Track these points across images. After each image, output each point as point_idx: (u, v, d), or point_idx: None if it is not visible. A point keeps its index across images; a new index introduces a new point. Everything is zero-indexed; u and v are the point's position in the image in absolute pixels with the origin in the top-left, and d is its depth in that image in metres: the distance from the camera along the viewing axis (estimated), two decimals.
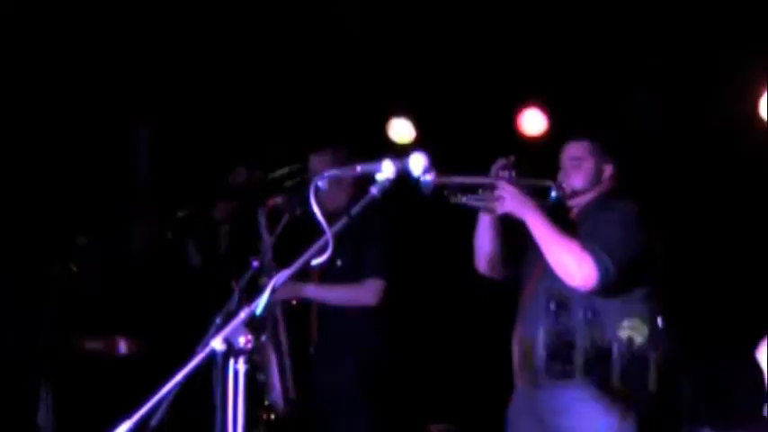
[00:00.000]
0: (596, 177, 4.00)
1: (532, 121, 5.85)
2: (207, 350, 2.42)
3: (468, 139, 5.58)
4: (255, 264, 3.97)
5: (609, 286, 3.74)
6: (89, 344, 5.19)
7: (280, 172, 4.82)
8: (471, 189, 3.89)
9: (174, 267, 5.20)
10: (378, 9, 5.48)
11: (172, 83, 5.82)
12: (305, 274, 4.62)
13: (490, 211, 3.93)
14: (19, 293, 5.12)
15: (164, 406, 2.57)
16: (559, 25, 5.39)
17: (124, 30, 5.41)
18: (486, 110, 5.81)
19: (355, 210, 2.71)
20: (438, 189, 3.53)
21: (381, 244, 4.59)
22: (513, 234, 4.06)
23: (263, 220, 4.58)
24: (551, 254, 3.81)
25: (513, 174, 3.87)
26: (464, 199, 3.88)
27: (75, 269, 4.99)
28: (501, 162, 3.90)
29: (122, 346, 5.30)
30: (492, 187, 3.85)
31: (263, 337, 4.43)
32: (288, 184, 4.72)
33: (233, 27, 5.52)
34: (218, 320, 3.32)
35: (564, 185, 3.96)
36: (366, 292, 4.60)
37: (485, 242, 4.09)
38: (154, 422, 2.64)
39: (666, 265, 3.92)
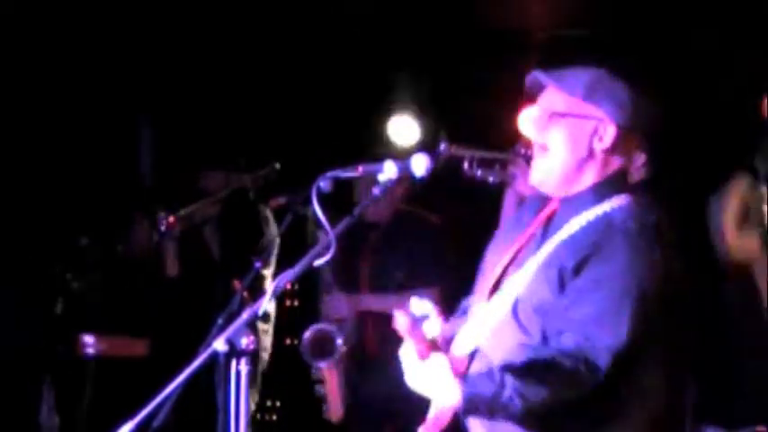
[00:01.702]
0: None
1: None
2: (209, 351, 2.42)
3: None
4: (258, 264, 3.97)
5: None
6: (93, 345, 5.18)
7: (260, 172, 4.84)
8: (488, 164, 3.85)
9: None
10: (378, 10, 5.48)
11: (174, 83, 5.82)
12: (355, 287, 4.65)
13: (502, 183, 3.90)
14: (21, 294, 5.12)
15: (166, 407, 2.56)
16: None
17: (126, 30, 5.41)
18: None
19: (357, 210, 2.72)
20: (453, 162, 3.48)
21: (431, 253, 4.61)
22: None
23: (269, 220, 4.59)
24: None
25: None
26: (479, 172, 3.84)
27: (76, 269, 4.98)
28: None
29: (132, 347, 5.31)
30: (506, 163, 3.82)
31: (339, 353, 4.43)
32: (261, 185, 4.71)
33: (234, 27, 5.52)
34: (220, 321, 3.31)
35: None
36: None
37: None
38: (156, 423, 2.63)
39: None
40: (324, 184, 2.69)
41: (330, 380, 4.53)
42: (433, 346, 2.47)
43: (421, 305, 2.62)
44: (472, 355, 2.63)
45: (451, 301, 4.60)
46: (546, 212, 2.74)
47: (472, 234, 4.04)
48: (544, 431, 2.50)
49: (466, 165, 3.78)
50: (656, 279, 2.50)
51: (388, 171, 2.69)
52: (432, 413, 2.61)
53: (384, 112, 5.73)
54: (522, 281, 2.61)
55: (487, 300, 2.68)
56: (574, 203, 2.65)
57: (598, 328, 2.43)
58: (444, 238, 4.74)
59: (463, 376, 2.47)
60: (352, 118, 5.89)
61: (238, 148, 5.73)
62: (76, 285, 4.97)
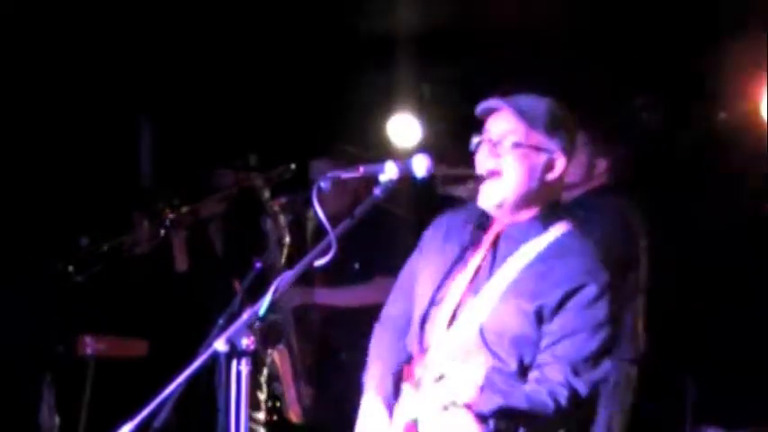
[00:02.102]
0: (589, 171, 4.05)
1: None
2: (210, 351, 2.42)
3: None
4: (258, 265, 3.96)
5: None
6: (93, 346, 5.18)
7: (273, 171, 4.82)
8: (461, 180, 3.91)
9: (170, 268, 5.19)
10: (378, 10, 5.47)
11: (174, 82, 5.81)
12: (310, 280, 4.62)
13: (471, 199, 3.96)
14: (21, 294, 5.11)
15: (167, 407, 2.56)
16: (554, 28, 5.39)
17: (126, 29, 5.40)
18: None
19: (359, 210, 2.71)
20: (429, 179, 3.54)
21: (391, 242, 4.59)
22: None
23: (268, 221, 4.57)
24: None
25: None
26: (451, 189, 3.91)
27: (77, 269, 4.98)
28: None
29: (132, 347, 5.30)
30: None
31: (274, 348, 4.44)
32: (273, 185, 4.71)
33: (234, 26, 5.52)
34: (220, 321, 3.31)
35: None
36: (377, 290, 4.58)
37: None
38: (157, 423, 2.63)
39: (662, 269, 3.92)
40: (324, 184, 2.69)
41: (284, 372, 4.50)
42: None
43: None
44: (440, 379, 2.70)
45: None
46: (490, 237, 2.82)
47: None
48: None
49: (436, 182, 3.84)
50: (613, 300, 2.73)
51: (389, 171, 2.69)
52: None
53: (384, 112, 5.74)
54: (483, 307, 2.71)
55: (447, 326, 2.75)
56: (522, 230, 2.79)
57: (585, 368, 2.66)
58: (406, 230, 4.67)
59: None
60: (355, 118, 5.89)
61: (239, 147, 5.73)
62: (80, 279, 4.94)
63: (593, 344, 2.67)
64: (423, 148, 4.81)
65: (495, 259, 2.77)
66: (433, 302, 2.82)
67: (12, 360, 5.06)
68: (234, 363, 2.43)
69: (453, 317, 2.75)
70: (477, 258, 2.80)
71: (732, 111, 5.21)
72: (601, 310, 2.68)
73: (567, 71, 5.20)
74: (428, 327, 2.81)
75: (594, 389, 2.67)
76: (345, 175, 2.76)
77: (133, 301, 5.46)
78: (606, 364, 2.68)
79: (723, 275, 5.26)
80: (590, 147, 4.03)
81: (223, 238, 5.13)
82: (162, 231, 4.88)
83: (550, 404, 2.61)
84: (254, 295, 2.65)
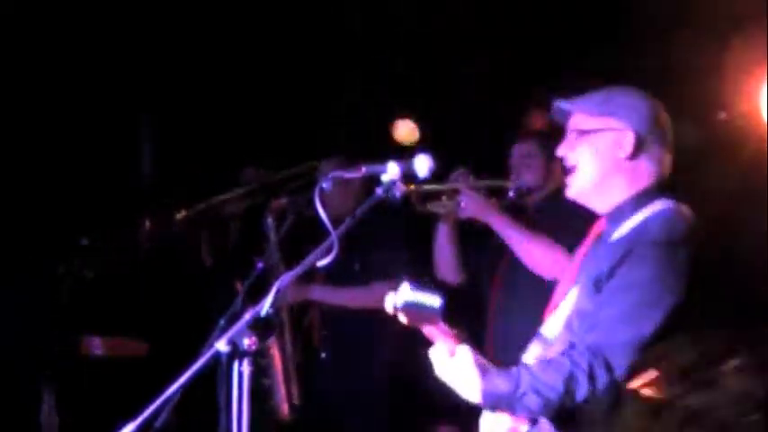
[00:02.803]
0: (548, 174, 4.10)
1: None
2: (211, 351, 2.42)
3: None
4: (260, 265, 3.96)
5: None
6: (94, 347, 5.17)
7: (288, 172, 4.81)
8: (435, 196, 4.04)
9: (184, 266, 5.17)
10: (378, 10, 5.47)
11: (174, 82, 5.80)
12: (310, 276, 4.62)
13: (454, 216, 4.04)
14: (22, 294, 5.11)
15: (168, 407, 2.56)
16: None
17: (127, 29, 5.40)
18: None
19: (360, 211, 2.71)
20: (406, 197, 3.59)
21: (391, 248, 4.59)
22: (467, 242, 4.25)
23: (269, 221, 4.57)
24: (523, 252, 3.94)
25: (471, 179, 4.00)
26: (429, 206, 4.04)
27: (78, 270, 4.97)
28: (460, 170, 4.06)
29: (130, 348, 5.29)
30: (454, 193, 4.01)
31: (270, 340, 4.43)
32: (293, 185, 4.70)
33: (235, 26, 5.51)
34: (222, 322, 3.31)
35: (519, 184, 4.06)
36: (373, 295, 4.58)
37: (444, 250, 4.26)
38: (158, 424, 2.63)
39: None
40: (326, 185, 2.69)
41: (275, 370, 4.50)
42: (458, 338, 2.63)
43: (407, 293, 2.59)
44: None
45: None
46: (595, 231, 2.86)
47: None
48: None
49: (413, 199, 3.94)
50: (682, 285, 2.58)
51: (392, 172, 2.69)
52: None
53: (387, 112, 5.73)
54: (573, 296, 2.75)
55: (549, 317, 2.83)
56: (615, 216, 2.78)
57: (617, 328, 2.54)
58: (405, 233, 4.68)
59: (484, 374, 2.58)
60: (356, 118, 5.89)
61: (241, 148, 5.73)
62: (91, 275, 4.93)
63: (626, 302, 2.56)
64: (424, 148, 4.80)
65: (594, 250, 2.81)
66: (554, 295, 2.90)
67: (12, 360, 5.06)
68: (235, 363, 2.42)
69: (556, 307, 2.82)
70: (582, 250, 2.86)
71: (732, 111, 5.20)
72: (644, 271, 2.58)
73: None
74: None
75: (630, 361, 2.46)
76: (348, 175, 2.76)
77: (134, 301, 5.45)
78: (644, 327, 2.53)
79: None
80: (546, 151, 4.09)
81: (240, 238, 5.10)
82: (175, 228, 4.87)
83: (575, 368, 2.50)
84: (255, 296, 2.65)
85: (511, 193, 4.11)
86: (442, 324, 2.61)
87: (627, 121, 2.77)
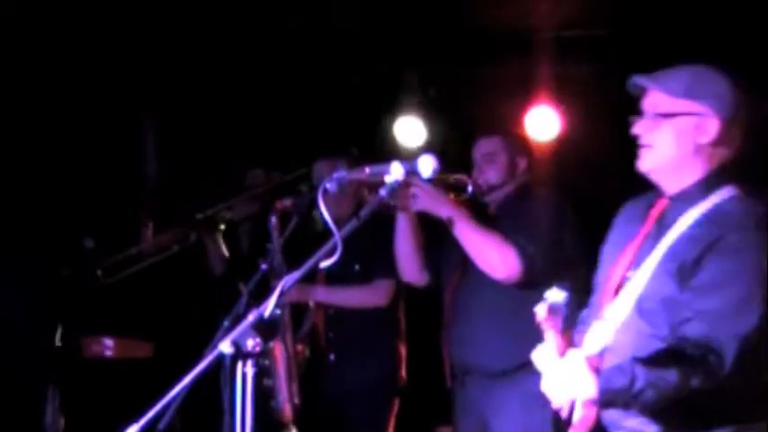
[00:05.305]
0: (511, 171, 4.05)
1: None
2: (215, 353, 2.42)
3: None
4: (264, 266, 3.95)
5: (533, 275, 3.74)
6: (106, 348, 5.17)
7: (296, 173, 4.79)
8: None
9: (196, 270, 5.15)
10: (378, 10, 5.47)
11: (178, 83, 5.81)
12: (312, 277, 4.60)
13: (405, 208, 3.94)
14: (26, 295, 5.11)
15: (172, 409, 2.56)
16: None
17: (131, 30, 5.39)
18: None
19: (364, 212, 2.71)
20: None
21: (391, 245, 4.58)
22: (432, 239, 4.10)
23: (273, 223, 4.56)
24: (473, 248, 3.83)
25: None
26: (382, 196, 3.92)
27: (81, 271, 4.97)
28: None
29: (134, 349, 5.29)
30: (406, 185, 3.81)
31: (273, 342, 4.41)
32: (304, 187, 4.68)
33: (238, 27, 5.51)
34: (226, 323, 3.31)
35: (480, 181, 4.00)
36: (375, 293, 4.58)
37: (403, 243, 4.11)
38: (162, 425, 2.63)
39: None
40: (330, 185, 2.68)
41: (278, 370, 4.48)
42: (569, 340, 2.66)
43: (557, 294, 2.64)
44: (601, 355, 2.74)
45: (405, 292, 4.61)
46: (657, 211, 2.84)
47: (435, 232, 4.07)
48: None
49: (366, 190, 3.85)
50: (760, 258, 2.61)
51: (395, 172, 2.68)
52: (578, 413, 2.68)
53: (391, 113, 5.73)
54: (642, 279, 2.72)
55: (611, 301, 2.79)
56: (684, 199, 2.77)
57: (724, 321, 2.56)
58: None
59: (597, 371, 2.57)
60: (360, 119, 5.89)
61: (245, 149, 5.73)
62: (83, 287, 4.92)
63: (730, 296, 2.58)
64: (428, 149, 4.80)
65: (659, 231, 2.78)
66: (605, 280, 2.86)
67: (16, 362, 5.06)
68: (239, 364, 2.42)
69: (617, 291, 2.78)
70: (642, 233, 2.82)
71: None
72: (740, 262, 2.60)
73: None
74: (602, 302, 2.84)
75: (740, 353, 2.53)
76: (351, 176, 2.76)
77: (139, 302, 5.45)
78: (755, 330, 2.56)
79: None
80: (510, 148, 4.06)
81: (250, 241, 5.08)
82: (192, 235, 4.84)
83: (691, 359, 2.52)
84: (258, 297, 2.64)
85: (470, 189, 4.00)
86: (560, 319, 2.64)
87: (713, 107, 2.74)
